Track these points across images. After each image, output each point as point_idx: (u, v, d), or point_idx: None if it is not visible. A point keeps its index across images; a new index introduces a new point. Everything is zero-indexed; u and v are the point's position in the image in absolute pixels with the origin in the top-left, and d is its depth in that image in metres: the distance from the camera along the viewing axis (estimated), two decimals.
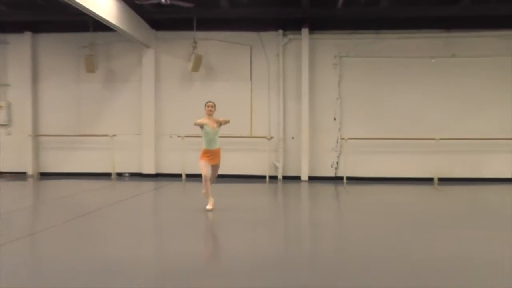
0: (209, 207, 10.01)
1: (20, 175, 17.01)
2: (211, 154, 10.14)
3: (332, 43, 16.57)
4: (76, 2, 11.49)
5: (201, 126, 10.08)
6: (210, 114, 10.11)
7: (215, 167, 10.33)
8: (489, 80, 16.23)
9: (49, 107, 17.29)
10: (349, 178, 16.04)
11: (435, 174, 15.76)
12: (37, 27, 17.13)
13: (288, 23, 16.47)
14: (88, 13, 12.55)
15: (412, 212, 10.60)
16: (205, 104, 10.24)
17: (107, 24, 13.74)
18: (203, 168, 10.06)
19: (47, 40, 17.26)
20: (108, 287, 5.01)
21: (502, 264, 6.10)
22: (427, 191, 14.08)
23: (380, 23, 16.29)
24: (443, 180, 15.69)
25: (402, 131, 16.09)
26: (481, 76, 16.26)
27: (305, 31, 16.36)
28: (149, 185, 14.99)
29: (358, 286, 5.21)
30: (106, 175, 16.71)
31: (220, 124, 10.17)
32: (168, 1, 13.57)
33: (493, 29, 16.11)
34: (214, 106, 10.16)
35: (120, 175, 16.94)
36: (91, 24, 15.76)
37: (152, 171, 16.87)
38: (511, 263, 6.11)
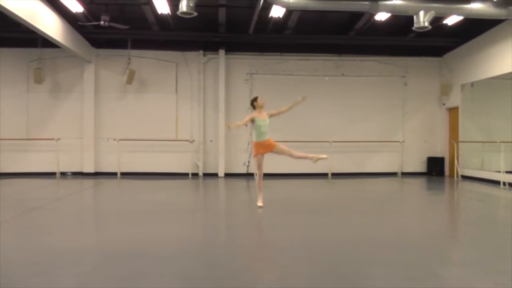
0: (259, 203, 9.27)
1: None
2: (264, 144, 9.06)
3: (244, 63, 16.86)
4: (27, 21, 11.16)
5: (252, 121, 9.03)
6: (261, 107, 9.13)
7: (277, 148, 9.15)
8: (370, 95, 16.97)
9: (1, 114, 16.45)
10: None
11: (329, 170, 16.18)
12: None
13: (208, 45, 16.56)
14: (37, 31, 12.20)
15: (309, 200, 11.25)
16: (255, 99, 9.23)
17: (53, 42, 13.43)
18: (258, 168, 9.28)
19: (0, 54, 16.47)
20: (54, 274, 4.85)
21: (387, 241, 6.46)
22: (322, 184, 14.53)
23: (284, 47, 16.69)
24: (336, 175, 16.20)
25: (302, 135, 16.31)
26: (364, 92, 17.00)
27: (222, 52, 16.57)
28: (89, 182, 14.57)
29: (268, 264, 5.34)
30: (52, 174, 16.08)
31: (271, 115, 9.23)
32: (107, 23, 13.30)
33: (373, 55, 16.97)
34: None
35: (63, 174, 16.34)
36: (40, 41, 15.17)
37: (92, 170, 16.43)
38: (397, 241, 6.47)
